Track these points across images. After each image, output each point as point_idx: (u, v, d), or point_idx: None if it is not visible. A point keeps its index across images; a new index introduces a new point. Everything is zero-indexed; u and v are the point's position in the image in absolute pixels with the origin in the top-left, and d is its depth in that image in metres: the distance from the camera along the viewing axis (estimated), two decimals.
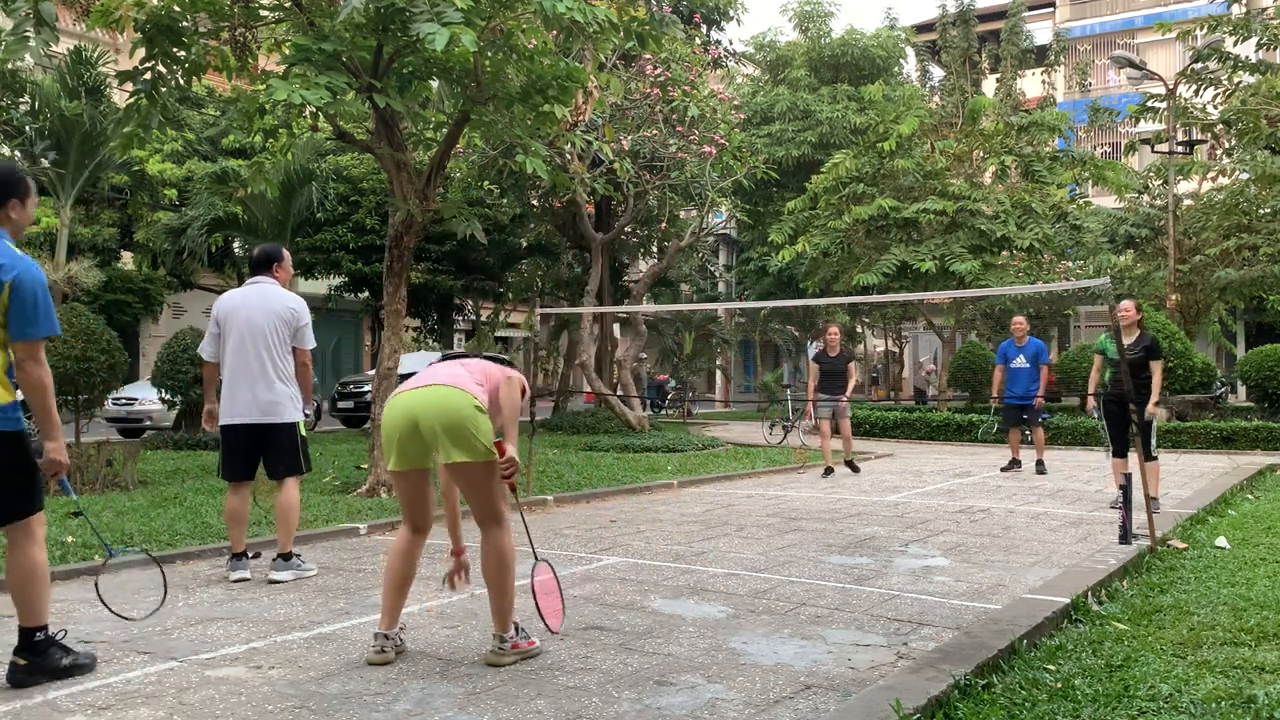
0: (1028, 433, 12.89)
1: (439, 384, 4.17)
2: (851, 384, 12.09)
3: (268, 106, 8.89)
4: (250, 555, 6.00)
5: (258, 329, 5.86)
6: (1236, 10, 17.98)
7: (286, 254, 6.25)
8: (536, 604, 4.49)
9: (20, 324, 3.78)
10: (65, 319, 11.31)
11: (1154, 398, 8.56)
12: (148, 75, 8.63)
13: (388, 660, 4.18)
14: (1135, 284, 23.48)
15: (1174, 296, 20.28)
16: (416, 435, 4.14)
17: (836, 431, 12.19)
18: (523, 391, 4.44)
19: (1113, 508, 8.76)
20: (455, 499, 4.63)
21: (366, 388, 20.43)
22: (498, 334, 29.68)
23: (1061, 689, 3.79)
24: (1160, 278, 22.54)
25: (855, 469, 12.22)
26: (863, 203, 20.26)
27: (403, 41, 8.22)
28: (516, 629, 4.25)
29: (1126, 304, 8.81)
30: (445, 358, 4.47)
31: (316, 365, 29.42)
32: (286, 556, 5.89)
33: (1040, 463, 12.37)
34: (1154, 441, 8.79)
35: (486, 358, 4.56)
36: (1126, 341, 8.65)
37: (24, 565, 3.91)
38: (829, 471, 11.97)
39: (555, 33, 8.55)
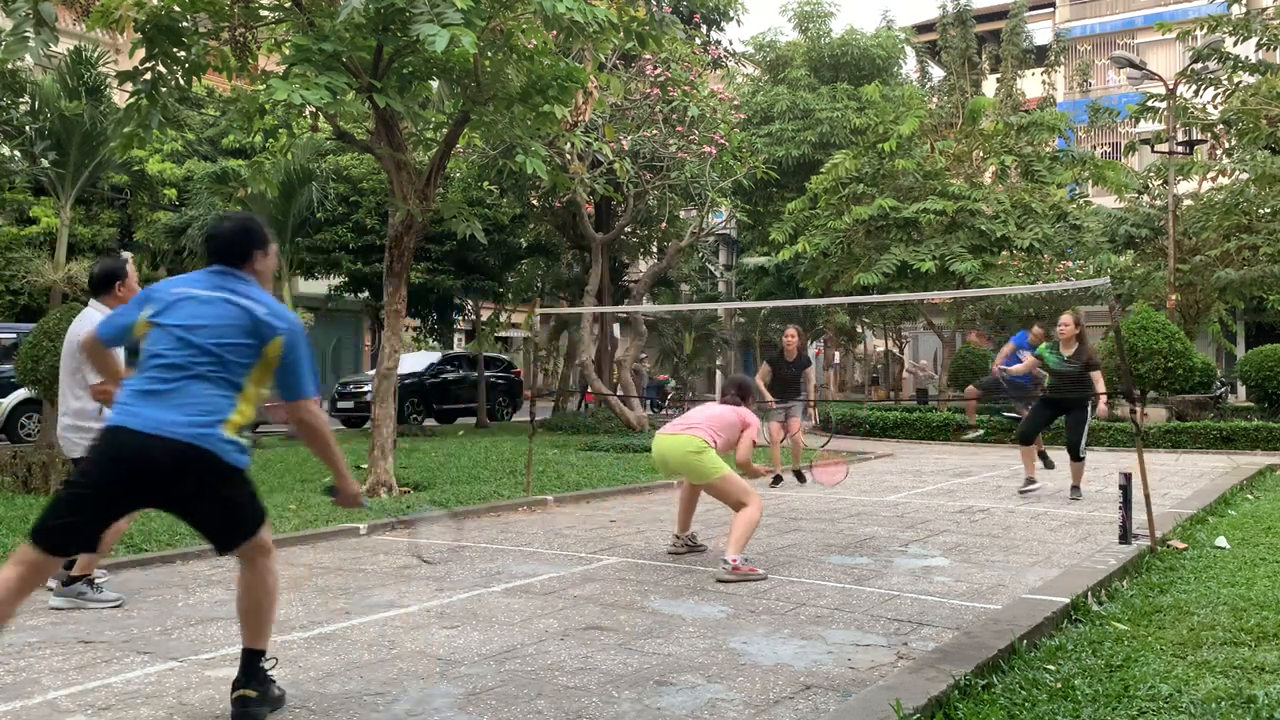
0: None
1: (678, 433, 6.15)
2: (810, 389, 11.06)
3: (268, 106, 8.91)
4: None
5: (64, 353, 5.27)
6: (1236, 10, 17.92)
7: (129, 271, 5.34)
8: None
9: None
10: (65, 319, 11.32)
11: (1101, 396, 9.27)
12: (148, 75, 8.64)
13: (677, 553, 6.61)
14: (1135, 284, 23.49)
15: (1174, 296, 20.27)
16: (666, 468, 6.31)
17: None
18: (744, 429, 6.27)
19: (1021, 492, 9.86)
20: (690, 497, 6.64)
21: (367, 388, 20.41)
22: (498, 334, 29.64)
23: (1061, 689, 3.79)
24: (1160, 278, 22.53)
25: (801, 479, 10.37)
26: (863, 203, 20.25)
27: (403, 42, 8.23)
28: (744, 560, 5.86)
29: (1065, 318, 9.42)
30: (726, 390, 6.76)
31: (318, 365, 29.46)
32: (88, 581, 5.17)
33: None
34: (1083, 444, 9.48)
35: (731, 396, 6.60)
36: (1066, 354, 9.39)
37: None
38: (778, 480, 10.46)
39: (555, 33, 8.55)
